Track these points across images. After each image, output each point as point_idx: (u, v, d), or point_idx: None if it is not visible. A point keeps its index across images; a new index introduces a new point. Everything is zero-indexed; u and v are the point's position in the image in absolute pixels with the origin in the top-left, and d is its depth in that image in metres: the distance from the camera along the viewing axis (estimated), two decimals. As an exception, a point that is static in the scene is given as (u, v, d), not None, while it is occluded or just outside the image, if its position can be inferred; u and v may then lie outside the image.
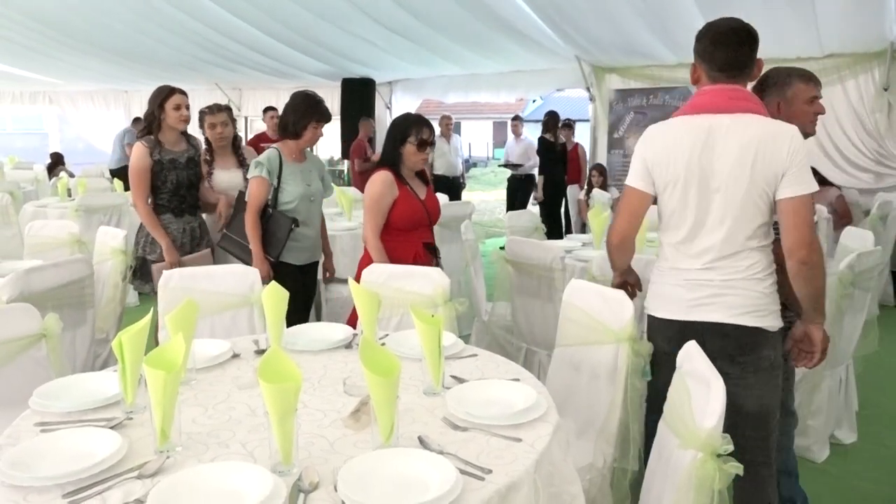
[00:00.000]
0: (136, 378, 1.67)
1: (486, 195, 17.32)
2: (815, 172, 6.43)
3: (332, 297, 4.60)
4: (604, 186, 7.37)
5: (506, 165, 8.92)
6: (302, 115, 3.39)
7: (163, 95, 3.45)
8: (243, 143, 4.28)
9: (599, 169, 7.62)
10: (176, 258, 3.46)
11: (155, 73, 10.26)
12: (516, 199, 8.58)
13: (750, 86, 2.16)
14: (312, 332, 2.35)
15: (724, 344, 2.01)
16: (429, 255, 3.20)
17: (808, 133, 2.30)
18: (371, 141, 8.92)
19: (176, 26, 7.54)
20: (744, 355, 2.02)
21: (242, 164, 4.00)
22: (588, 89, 8.46)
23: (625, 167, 8.25)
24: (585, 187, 7.74)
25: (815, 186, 2.02)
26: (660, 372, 2.07)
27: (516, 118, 9.05)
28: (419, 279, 2.65)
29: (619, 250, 2.28)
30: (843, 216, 5.91)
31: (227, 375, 1.98)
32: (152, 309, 1.95)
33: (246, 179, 3.94)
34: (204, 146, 3.89)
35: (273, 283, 2.12)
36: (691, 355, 1.68)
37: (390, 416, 1.45)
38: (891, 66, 6.52)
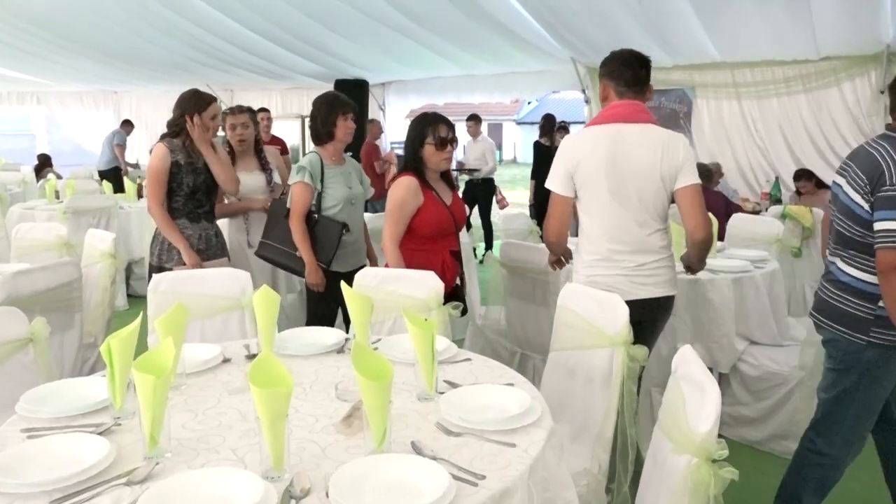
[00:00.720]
0: (124, 383, 1.67)
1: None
2: (812, 176, 6.43)
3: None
4: (599, 189, 7.37)
5: (460, 170, 8.55)
6: (327, 113, 3.36)
7: (202, 105, 3.33)
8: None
9: (594, 172, 7.63)
10: (197, 261, 3.33)
11: (145, 73, 10.25)
12: (477, 206, 8.29)
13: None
14: (304, 336, 2.35)
15: (656, 314, 2.58)
16: (456, 263, 3.09)
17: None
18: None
19: (167, 26, 7.53)
20: (662, 317, 2.64)
21: (265, 168, 3.95)
22: (584, 91, 8.48)
23: (620, 170, 8.26)
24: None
25: (699, 180, 2.57)
26: None
27: (473, 118, 8.58)
28: (412, 283, 2.65)
29: (557, 244, 2.76)
30: (840, 219, 5.94)
31: (218, 380, 1.98)
32: (141, 313, 1.94)
33: (269, 183, 3.95)
34: (226, 148, 3.79)
35: (264, 287, 2.12)
36: (686, 359, 1.69)
37: (383, 421, 1.45)
38: (887, 68, 6.56)
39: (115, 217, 6.09)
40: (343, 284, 2.19)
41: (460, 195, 3.34)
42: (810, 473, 2.41)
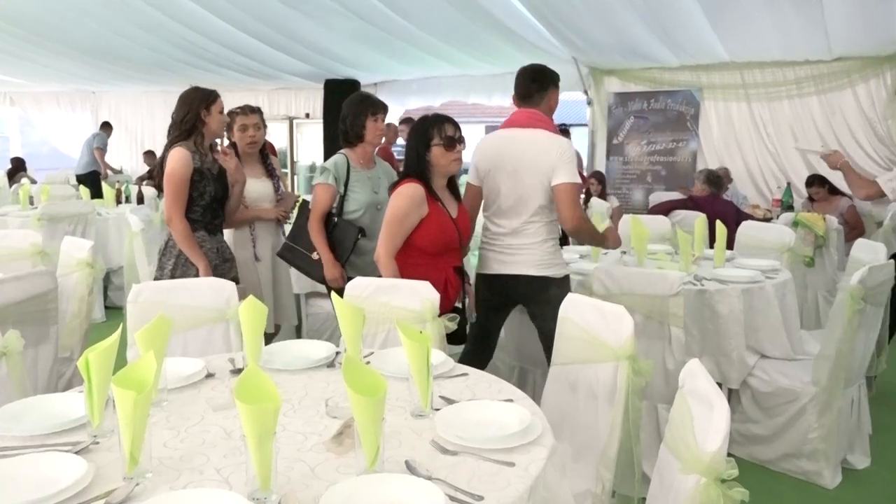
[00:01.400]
0: (103, 399, 1.67)
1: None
2: (826, 182, 6.47)
3: (313, 311, 4.60)
4: (603, 195, 7.41)
5: None
6: (355, 113, 3.38)
7: (209, 98, 3.28)
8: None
9: (598, 177, 7.67)
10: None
11: (125, 73, 10.26)
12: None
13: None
14: (292, 349, 2.35)
15: (524, 289, 3.13)
16: (459, 281, 3.05)
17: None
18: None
19: (149, 23, 7.55)
20: (537, 296, 3.11)
21: (272, 175, 3.88)
22: (585, 92, 8.53)
23: (625, 174, 8.32)
24: (583, 196, 7.77)
25: (577, 179, 3.05)
26: (483, 314, 3.30)
27: (404, 122, 8.07)
28: (406, 293, 2.65)
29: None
30: (855, 227, 5.97)
31: (201, 396, 1.98)
32: (121, 325, 1.94)
33: (277, 190, 3.90)
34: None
35: (250, 297, 2.12)
36: (694, 374, 1.70)
37: (375, 438, 1.45)
38: (903, 70, 6.63)
39: (92, 224, 6.08)
40: (333, 295, 2.19)
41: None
42: None
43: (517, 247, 3.13)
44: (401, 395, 1.93)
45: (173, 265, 3.28)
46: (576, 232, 3.12)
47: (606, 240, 3.33)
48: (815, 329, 4.39)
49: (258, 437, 1.37)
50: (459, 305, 3.11)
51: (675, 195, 6.93)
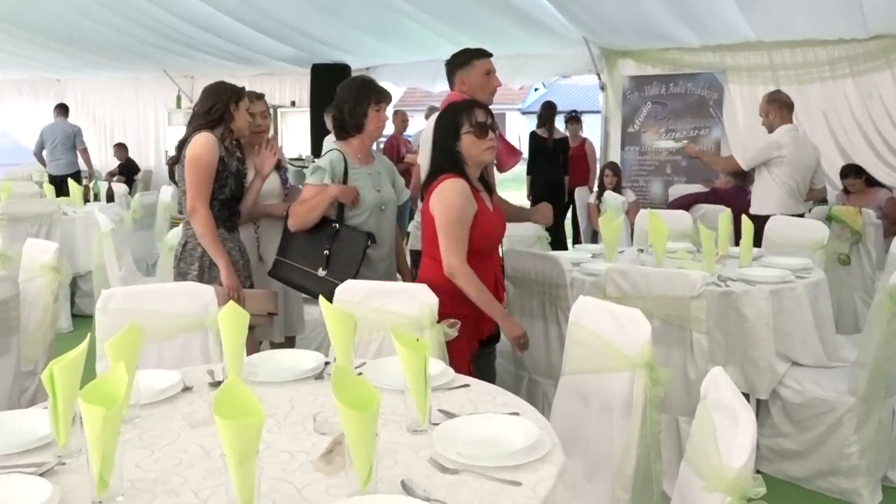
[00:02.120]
0: (69, 416, 1.67)
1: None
2: (862, 172, 6.49)
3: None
4: (617, 188, 7.41)
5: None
6: (355, 100, 3.28)
7: (240, 94, 3.37)
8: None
9: (612, 168, 7.68)
10: (237, 283, 3.25)
11: (93, 59, 10.27)
12: None
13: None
14: (278, 360, 2.36)
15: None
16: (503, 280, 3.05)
17: (487, 102, 3.37)
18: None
19: (117, 4, 7.55)
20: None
21: (278, 166, 3.83)
22: (598, 76, 8.53)
23: (641, 165, 8.33)
24: (596, 189, 7.79)
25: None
26: None
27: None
28: (403, 297, 2.66)
29: None
30: (895, 222, 5.98)
31: (178, 412, 1.98)
32: (89, 335, 1.95)
33: (284, 183, 3.84)
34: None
35: (231, 302, 2.12)
36: (717, 383, 1.70)
37: (368, 456, 1.46)
38: (946, 48, 6.62)
39: (57, 224, 6.09)
40: (322, 300, 2.20)
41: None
42: None
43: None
44: (396, 408, 1.93)
45: (198, 270, 3.23)
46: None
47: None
48: (852, 333, 4.39)
49: (239, 456, 1.37)
50: None
51: (697, 188, 6.94)
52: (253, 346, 3.30)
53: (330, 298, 3.14)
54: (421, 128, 7.77)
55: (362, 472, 1.46)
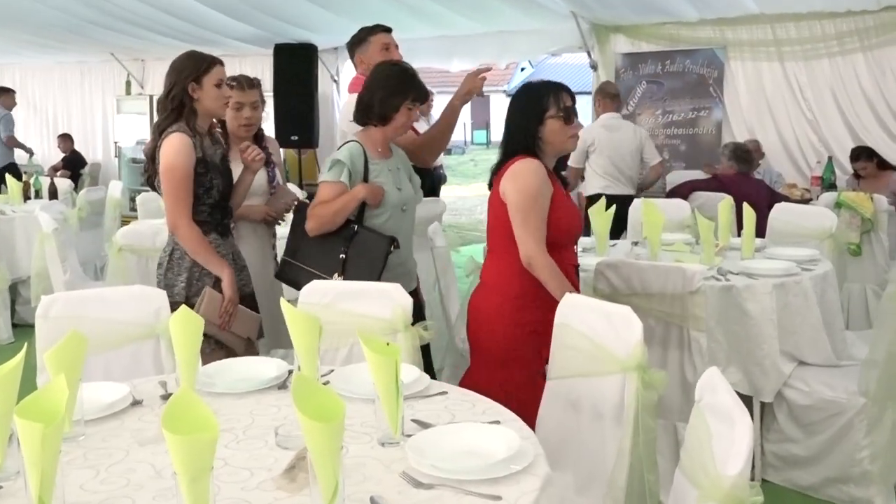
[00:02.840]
0: (5, 434, 1.66)
1: (462, 190, 17.42)
2: (874, 155, 6.56)
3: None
4: (610, 176, 7.45)
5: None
6: (392, 91, 3.17)
7: (202, 67, 3.08)
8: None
9: (605, 154, 7.70)
10: (237, 295, 3.13)
11: (30, 39, 10.16)
12: None
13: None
14: (237, 369, 2.36)
15: None
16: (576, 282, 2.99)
17: None
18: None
19: (58, -20, 7.49)
20: None
21: (267, 162, 3.68)
22: (589, 54, 8.56)
23: (637, 151, 8.34)
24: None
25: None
26: None
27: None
28: (374, 299, 2.67)
29: None
30: (909, 206, 6.05)
31: (126, 428, 1.98)
32: (26, 345, 1.94)
33: (271, 181, 3.72)
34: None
35: (183, 307, 2.12)
36: (713, 386, 1.72)
37: (333, 472, 1.46)
38: (962, 19, 6.69)
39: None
40: (283, 302, 2.20)
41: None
42: None
43: None
44: (366, 419, 1.94)
45: (186, 282, 3.10)
46: None
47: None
48: (864, 329, 4.45)
49: (192, 474, 1.37)
50: None
51: (698, 174, 6.98)
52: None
53: None
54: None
55: (327, 489, 1.46)
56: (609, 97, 6.43)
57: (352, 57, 3.83)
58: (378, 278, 3.09)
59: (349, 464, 1.71)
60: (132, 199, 8.12)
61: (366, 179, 3.17)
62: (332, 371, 2.35)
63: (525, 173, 2.80)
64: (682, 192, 5.92)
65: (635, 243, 4.51)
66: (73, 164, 10.98)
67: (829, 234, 4.41)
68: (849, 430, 3.26)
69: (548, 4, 7.61)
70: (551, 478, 1.70)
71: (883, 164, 6.41)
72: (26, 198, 7.41)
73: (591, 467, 2.31)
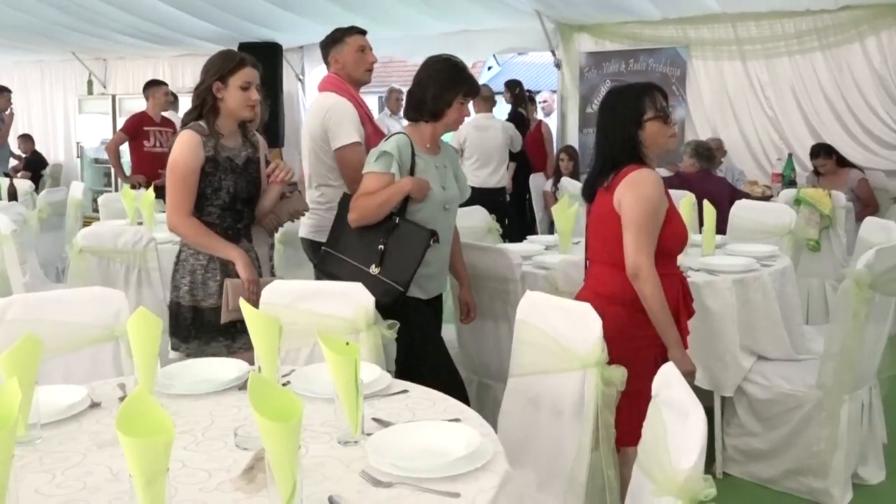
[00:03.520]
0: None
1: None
2: (833, 152, 6.68)
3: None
4: (575, 174, 7.50)
5: None
6: (443, 86, 3.15)
7: (229, 66, 3.03)
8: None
9: (568, 152, 7.76)
10: (255, 276, 3.04)
11: (-11, 39, 10.01)
12: None
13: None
14: (197, 370, 2.34)
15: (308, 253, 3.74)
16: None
17: (362, 82, 3.74)
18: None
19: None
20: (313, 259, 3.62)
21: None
22: (553, 52, 8.61)
23: (602, 149, 8.38)
24: (553, 175, 7.86)
25: (349, 137, 3.50)
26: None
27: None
28: (336, 298, 2.66)
29: None
30: (868, 204, 6.16)
31: (84, 431, 1.96)
32: (-20, 348, 1.92)
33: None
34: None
35: (141, 308, 2.10)
36: (668, 381, 1.75)
37: (291, 472, 1.46)
38: (917, 19, 6.81)
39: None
40: (242, 303, 2.19)
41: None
42: None
43: (312, 211, 3.62)
44: (327, 419, 1.94)
45: (191, 283, 3.06)
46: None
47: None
48: (823, 324, 4.52)
49: (147, 476, 1.37)
50: None
51: (661, 172, 7.05)
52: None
53: (381, 300, 2.86)
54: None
55: (285, 489, 1.46)
56: (483, 99, 7.11)
57: (325, 56, 3.77)
58: (415, 272, 3.09)
59: (308, 463, 1.71)
60: (95, 200, 8.03)
61: (411, 173, 3.14)
62: (294, 371, 2.34)
63: (644, 185, 2.67)
64: (645, 189, 5.97)
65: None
66: (34, 165, 10.83)
67: (788, 231, 4.48)
68: (807, 423, 3.31)
69: (512, 3, 7.64)
70: (511, 475, 1.71)
71: (842, 161, 6.52)
72: (-11, 196, 7.30)
73: (551, 464, 2.32)
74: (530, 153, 8.31)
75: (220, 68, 3.02)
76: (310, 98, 10.38)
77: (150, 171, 7.24)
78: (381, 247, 3.13)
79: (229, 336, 3.04)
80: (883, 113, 7.09)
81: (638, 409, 2.18)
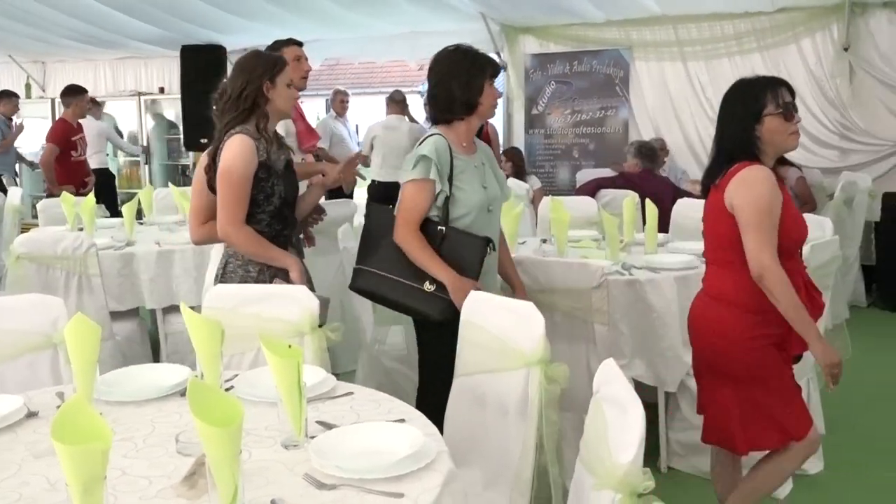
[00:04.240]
0: None
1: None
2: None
3: (173, 330, 4.52)
4: (520, 175, 7.54)
5: None
6: (469, 73, 2.95)
7: (276, 66, 2.94)
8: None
9: (511, 154, 7.78)
10: (308, 282, 2.96)
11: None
12: None
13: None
14: (139, 377, 2.31)
15: None
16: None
17: (300, 87, 3.45)
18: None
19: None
20: None
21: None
22: (498, 54, 8.66)
23: (548, 150, 8.51)
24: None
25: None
26: None
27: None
28: (280, 302, 2.65)
29: None
30: (806, 201, 6.29)
31: (20, 441, 1.92)
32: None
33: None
34: None
35: (78, 314, 2.07)
36: (608, 377, 1.78)
37: (232, 477, 1.45)
38: (850, 21, 7.01)
39: None
40: (183, 307, 2.17)
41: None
42: None
43: None
44: (271, 423, 1.93)
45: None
46: None
47: None
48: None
49: (83, 484, 1.35)
50: None
51: (607, 172, 7.14)
52: None
53: (438, 318, 2.84)
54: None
55: (226, 494, 1.45)
56: (395, 102, 7.93)
57: None
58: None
59: (252, 468, 1.70)
60: (34, 206, 7.85)
61: (451, 177, 2.95)
62: (237, 376, 2.32)
63: (756, 183, 2.58)
64: (589, 189, 6.05)
65: (544, 241, 4.59)
66: (-31, 171, 10.52)
67: (729, 228, 4.55)
68: (747, 416, 3.37)
69: (456, 5, 7.68)
70: (455, 474, 1.72)
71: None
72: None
73: (497, 462, 2.33)
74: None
75: (268, 68, 2.93)
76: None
77: (76, 180, 7.11)
78: None
79: None
80: (819, 112, 7.28)
81: (791, 402, 2.62)
